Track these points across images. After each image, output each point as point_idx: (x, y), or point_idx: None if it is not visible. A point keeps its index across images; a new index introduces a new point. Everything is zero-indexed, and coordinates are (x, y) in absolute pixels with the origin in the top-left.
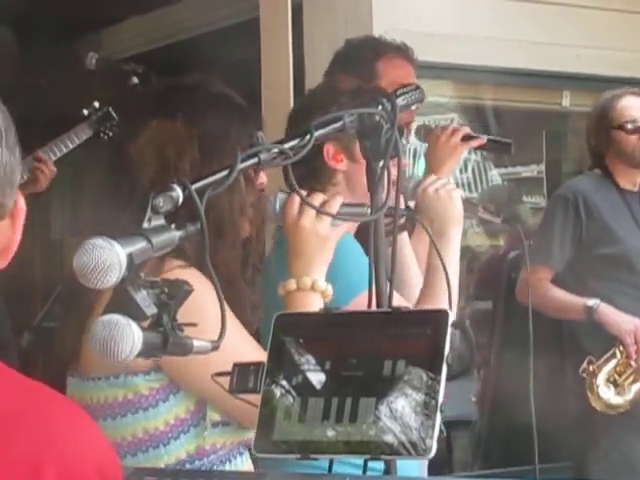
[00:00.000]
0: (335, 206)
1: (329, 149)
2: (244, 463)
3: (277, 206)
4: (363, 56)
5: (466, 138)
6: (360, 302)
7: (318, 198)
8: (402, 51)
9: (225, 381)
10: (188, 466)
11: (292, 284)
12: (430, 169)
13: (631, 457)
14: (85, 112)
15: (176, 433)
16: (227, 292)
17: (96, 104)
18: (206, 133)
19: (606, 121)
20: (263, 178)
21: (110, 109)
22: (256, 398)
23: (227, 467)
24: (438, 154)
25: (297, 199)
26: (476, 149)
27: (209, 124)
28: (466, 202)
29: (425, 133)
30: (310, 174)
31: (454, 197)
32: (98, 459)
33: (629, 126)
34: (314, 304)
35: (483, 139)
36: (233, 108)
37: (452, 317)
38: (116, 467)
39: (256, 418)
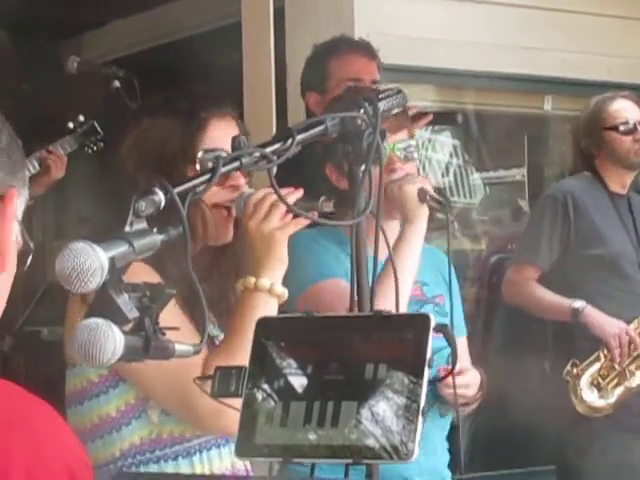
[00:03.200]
0: (277, 212)
1: (331, 172)
2: (222, 457)
3: (241, 204)
4: (318, 57)
5: (413, 119)
6: (314, 291)
7: (273, 196)
8: (357, 47)
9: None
10: (148, 455)
11: (239, 284)
12: None
13: (617, 461)
14: (70, 125)
15: (127, 419)
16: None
17: (81, 117)
18: (143, 140)
19: (599, 122)
20: (239, 180)
21: (95, 123)
22: (238, 402)
23: (195, 459)
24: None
25: (252, 201)
26: (427, 125)
27: (148, 131)
28: (421, 191)
29: None
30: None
31: (405, 190)
32: (67, 459)
33: (622, 127)
34: (260, 303)
35: (429, 115)
36: (177, 117)
37: (433, 321)
38: (86, 467)
39: (238, 421)
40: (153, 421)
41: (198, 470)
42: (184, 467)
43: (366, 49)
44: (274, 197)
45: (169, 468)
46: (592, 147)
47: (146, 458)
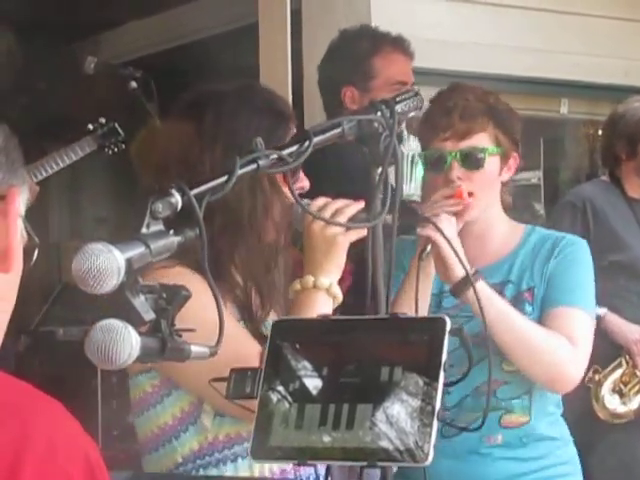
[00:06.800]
0: (349, 212)
1: None
2: None
3: (299, 211)
4: (359, 51)
5: None
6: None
7: (336, 204)
8: (399, 45)
9: (221, 386)
10: (207, 459)
11: (297, 284)
12: None
13: (627, 458)
14: (90, 127)
15: (184, 426)
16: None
17: (102, 120)
18: (230, 134)
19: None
20: (303, 182)
21: (116, 125)
22: (253, 403)
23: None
24: None
25: (314, 207)
26: None
27: (235, 126)
28: None
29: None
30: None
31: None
32: (83, 451)
33: None
34: (318, 302)
35: None
36: (263, 113)
37: (449, 324)
38: (101, 458)
39: (253, 424)
40: (206, 426)
41: (257, 471)
42: (242, 469)
43: (407, 49)
44: (338, 204)
45: (228, 470)
46: (622, 152)
47: (205, 462)
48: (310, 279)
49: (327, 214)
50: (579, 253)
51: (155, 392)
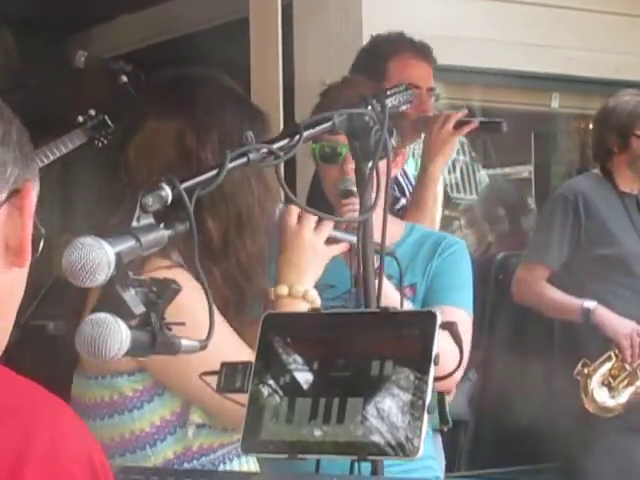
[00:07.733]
0: (328, 227)
1: None
2: (241, 467)
3: (276, 217)
4: (378, 53)
5: (458, 125)
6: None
7: (314, 218)
8: (417, 50)
9: (213, 380)
10: (176, 467)
11: (284, 290)
12: (425, 160)
13: (624, 460)
14: (80, 119)
15: (162, 435)
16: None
17: (92, 112)
18: (224, 125)
19: (632, 126)
20: None
21: (105, 117)
22: (244, 398)
23: (220, 470)
24: (432, 144)
25: (295, 210)
26: (469, 134)
27: (227, 117)
28: None
29: (422, 123)
30: None
31: None
32: (87, 453)
33: None
34: (299, 309)
35: (475, 123)
36: (246, 105)
37: (439, 318)
38: (105, 460)
39: (243, 418)
40: (188, 436)
41: None
42: None
43: (427, 54)
44: (314, 218)
45: None
46: (615, 145)
47: None
48: (300, 289)
49: (313, 219)
50: (462, 253)
51: (136, 397)
